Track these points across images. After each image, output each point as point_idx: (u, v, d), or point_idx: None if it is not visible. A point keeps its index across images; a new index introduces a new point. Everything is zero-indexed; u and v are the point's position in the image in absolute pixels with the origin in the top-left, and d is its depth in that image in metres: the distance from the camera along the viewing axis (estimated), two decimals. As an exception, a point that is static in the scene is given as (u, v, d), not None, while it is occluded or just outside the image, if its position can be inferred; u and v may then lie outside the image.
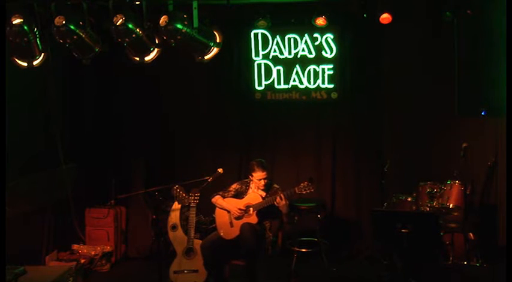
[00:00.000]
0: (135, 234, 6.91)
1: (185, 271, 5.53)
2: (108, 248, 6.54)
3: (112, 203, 6.78)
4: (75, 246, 6.53)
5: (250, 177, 5.61)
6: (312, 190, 5.41)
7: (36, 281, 4.71)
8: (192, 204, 5.50)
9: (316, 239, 6.28)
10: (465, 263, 6.03)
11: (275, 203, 5.37)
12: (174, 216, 5.68)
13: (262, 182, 5.51)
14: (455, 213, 6.04)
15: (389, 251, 6.02)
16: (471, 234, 6.01)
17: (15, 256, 5.19)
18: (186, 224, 5.60)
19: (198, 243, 5.53)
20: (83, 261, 6.19)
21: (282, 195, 5.35)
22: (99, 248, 6.46)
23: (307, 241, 6.36)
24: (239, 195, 5.63)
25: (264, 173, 5.49)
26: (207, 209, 6.04)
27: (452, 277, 5.83)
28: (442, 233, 5.76)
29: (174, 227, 5.66)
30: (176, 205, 5.68)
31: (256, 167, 5.50)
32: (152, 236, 6.50)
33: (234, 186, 5.69)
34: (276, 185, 5.64)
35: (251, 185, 5.63)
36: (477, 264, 6.05)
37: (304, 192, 5.42)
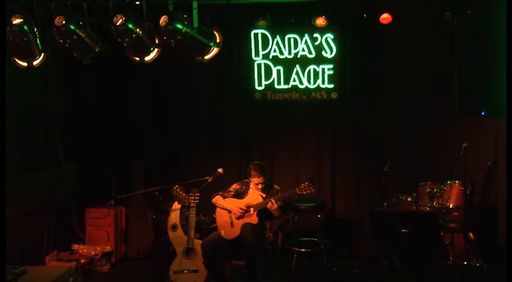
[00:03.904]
0: (135, 234, 6.90)
1: (185, 271, 5.52)
2: (108, 248, 6.53)
3: (112, 203, 6.78)
4: (75, 246, 6.52)
5: (249, 178, 5.61)
6: (313, 190, 5.40)
7: (36, 281, 4.72)
8: (192, 204, 5.50)
9: (316, 239, 6.28)
10: (465, 263, 6.02)
11: (267, 207, 5.36)
12: (174, 216, 5.68)
13: (260, 186, 5.51)
14: (455, 213, 6.04)
15: (389, 251, 6.02)
16: (471, 234, 6.00)
17: (15, 256, 5.20)
18: (186, 224, 5.60)
19: (198, 243, 5.52)
20: (83, 261, 6.19)
21: (272, 200, 5.34)
22: (99, 248, 6.46)
23: (307, 241, 6.36)
24: (239, 195, 5.62)
25: (261, 179, 5.46)
26: (207, 209, 6.03)
27: (452, 277, 5.83)
28: (442, 233, 5.76)
29: (174, 227, 5.65)
30: (176, 205, 5.68)
31: (253, 171, 5.48)
32: (152, 236, 6.50)
33: (234, 186, 5.67)
34: (276, 186, 5.62)
35: (251, 185, 5.62)
36: (477, 264, 6.05)
37: (304, 193, 5.41)
